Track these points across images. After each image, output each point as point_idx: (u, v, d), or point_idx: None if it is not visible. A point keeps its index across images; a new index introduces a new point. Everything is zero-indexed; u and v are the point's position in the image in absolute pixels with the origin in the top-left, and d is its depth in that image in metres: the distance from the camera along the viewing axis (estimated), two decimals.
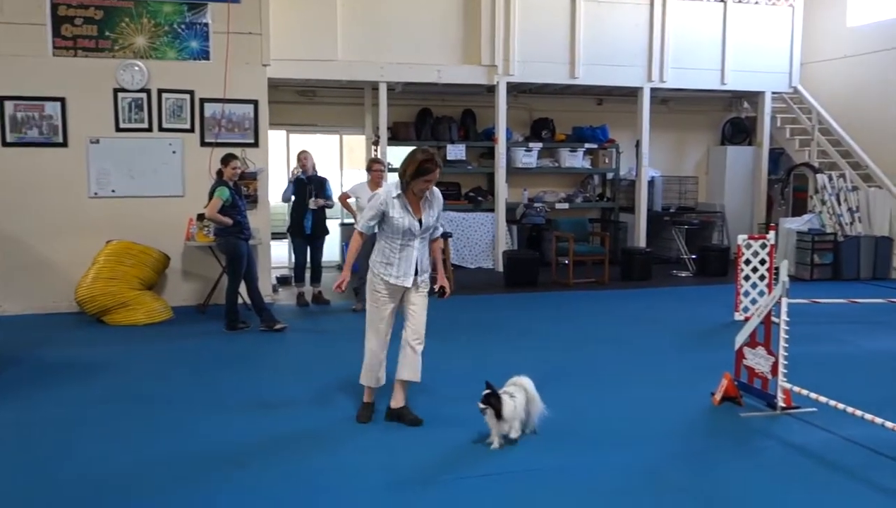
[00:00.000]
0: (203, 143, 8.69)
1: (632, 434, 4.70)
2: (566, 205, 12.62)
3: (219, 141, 8.69)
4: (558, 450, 4.42)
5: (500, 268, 11.09)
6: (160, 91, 8.55)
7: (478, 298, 9.44)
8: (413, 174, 4.65)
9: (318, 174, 9.01)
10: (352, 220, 8.83)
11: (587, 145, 12.65)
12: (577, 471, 4.12)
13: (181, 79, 8.61)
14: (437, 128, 12.02)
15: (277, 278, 9.91)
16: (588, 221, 11.97)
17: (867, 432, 4.55)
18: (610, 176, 13.15)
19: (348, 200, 8.50)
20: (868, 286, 10.52)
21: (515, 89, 12.18)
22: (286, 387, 5.70)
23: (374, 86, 11.17)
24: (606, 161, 12.91)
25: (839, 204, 11.33)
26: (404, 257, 4.76)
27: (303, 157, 8.93)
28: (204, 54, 8.63)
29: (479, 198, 12.21)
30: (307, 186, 8.78)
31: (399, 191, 4.71)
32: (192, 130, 8.66)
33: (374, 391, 5.03)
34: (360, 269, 8.42)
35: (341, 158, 12.56)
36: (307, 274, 8.99)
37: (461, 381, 5.78)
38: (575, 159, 12.60)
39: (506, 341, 7.19)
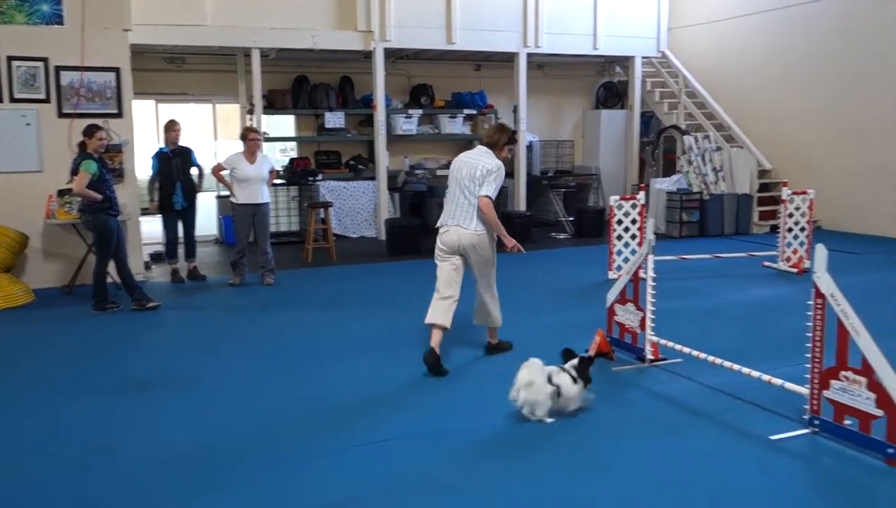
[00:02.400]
0: (61, 114, 8.16)
1: (506, 393, 4.80)
2: (447, 172, 12.66)
3: (78, 111, 8.18)
4: (442, 414, 4.46)
5: (383, 237, 11.06)
6: (9, 58, 7.95)
7: (361, 267, 9.38)
8: (507, 141, 5.39)
9: (182, 145, 8.58)
10: (227, 193, 8.54)
11: (467, 111, 12.73)
12: (460, 434, 4.17)
13: (33, 45, 8.02)
14: (314, 96, 11.78)
15: (151, 255, 9.51)
16: None
17: (728, 379, 4.81)
18: None
19: (222, 172, 8.21)
20: (731, 241, 11.12)
21: (393, 55, 12.08)
22: (160, 367, 5.50)
23: (247, 53, 10.82)
24: (486, 126, 13.00)
25: (704, 164, 11.89)
26: None
27: (171, 128, 8.52)
28: (57, 18, 8.07)
29: (360, 167, 12.09)
30: (172, 160, 8.39)
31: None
32: (47, 101, 8.10)
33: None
34: (238, 243, 8.22)
35: (215, 128, 12.15)
36: (181, 250, 8.66)
37: (344, 349, 5.76)
38: (455, 125, 12.65)
39: (390, 309, 7.18)
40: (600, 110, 13.99)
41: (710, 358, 4.81)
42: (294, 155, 12.41)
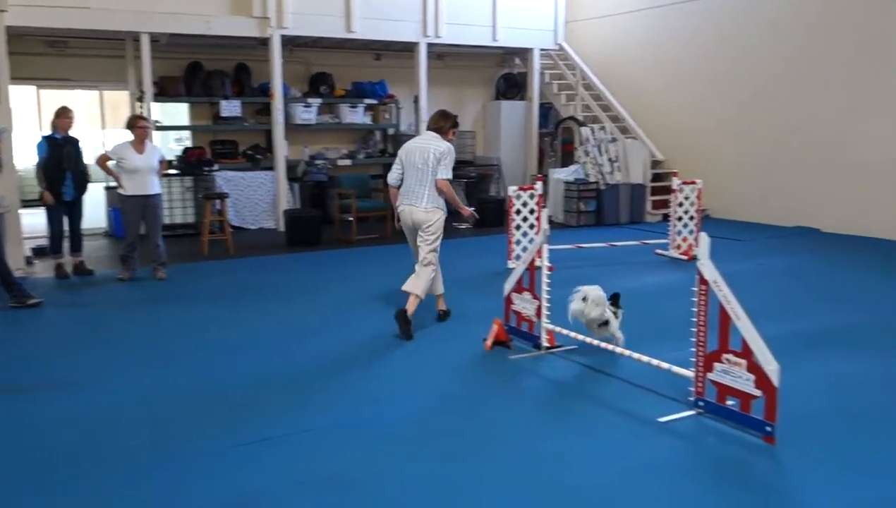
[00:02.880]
0: None
1: (409, 384, 4.80)
2: (348, 162, 12.55)
3: None
4: (336, 408, 4.40)
5: (283, 228, 10.85)
6: None
7: (260, 259, 9.17)
8: (451, 126, 6.23)
9: (71, 135, 8.15)
10: (115, 184, 8.17)
11: (367, 101, 12.61)
12: (356, 426, 4.13)
13: None
14: (210, 84, 11.43)
15: (33, 249, 9.01)
16: (370, 177, 11.99)
17: (620, 364, 4.96)
18: (391, 131, 13.22)
19: (108, 162, 7.84)
20: (626, 229, 11.45)
21: (291, 43, 11.84)
22: (39, 368, 5.21)
23: (136, 38, 10.36)
24: (387, 116, 12.96)
25: (601, 154, 12.17)
26: None
27: (64, 115, 8.02)
28: None
29: (258, 157, 11.82)
30: (63, 147, 7.97)
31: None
32: None
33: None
34: (127, 236, 7.89)
35: (103, 116, 11.61)
36: (66, 244, 8.24)
37: (242, 343, 5.62)
38: (355, 115, 12.52)
39: (289, 302, 7.05)
40: (500, 101, 14.12)
41: (604, 345, 4.93)
42: (188, 144, 12.00)
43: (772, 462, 3.70)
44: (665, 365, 4.47)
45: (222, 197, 9.79)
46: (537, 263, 5.34)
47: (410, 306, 5.84)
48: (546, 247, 5.24)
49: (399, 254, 9.53)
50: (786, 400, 3.86)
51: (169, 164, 9.47)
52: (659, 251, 9.30)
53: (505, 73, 14.47)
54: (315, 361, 5.26)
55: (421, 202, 5.99)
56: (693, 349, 4.23)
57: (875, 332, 5.88)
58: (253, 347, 5.62)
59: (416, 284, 5.92)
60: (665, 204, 12.41)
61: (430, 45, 12.27)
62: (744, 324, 3.90)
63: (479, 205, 11.98)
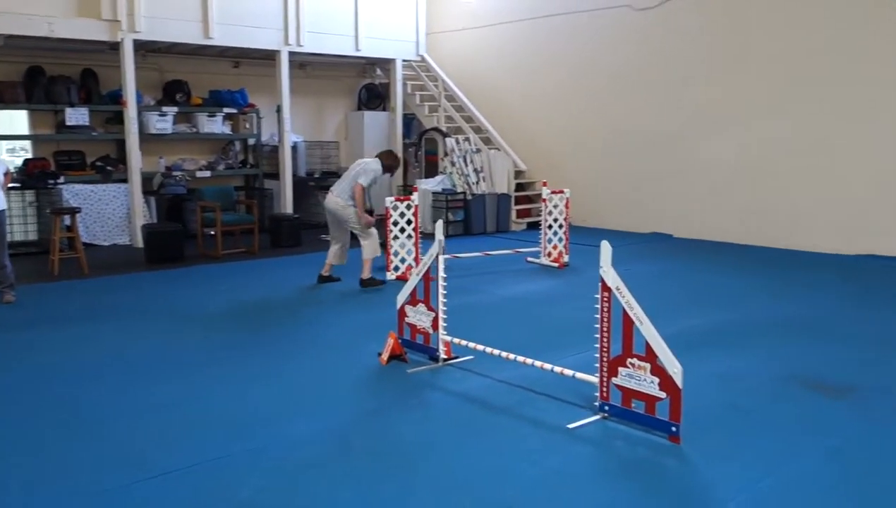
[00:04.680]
0: None
1: (309, 403, 4.61)
2: (208, 173, 12.02)
3: None
4: (236, 432, 4.14)
5: (140, 244, 10.21)
6: None
7: (117, 278, 8.57)
8: (390, 168, 8.24)
9: None
10: None
11: (226, 110, 12.15)
12: (261, 451, 3.90)
13: None
14: (53, 90, 10.60)
15: None
16: (233, 189, 11.53)
17: (520, 372, 4.98)
18: (252, 141, 12.79)
19: None
20: (494, 239, 11.65)
21: (143, 48, 11.19)
22: None
23: None
24: (248, 126, 12.54)
25: (466, 165, 12.34)
26: None
27: None
28: None
29: (109, 168, 11.07)
30: None
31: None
32: None
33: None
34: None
35: None
36: None
37: (108, 368, 5.19)
38: (214, 124, 12.02)
39: (153, 322, 6.60)
40: (363, 111, 14.02)
41: (503, 354, 4.94)
42: (29, 155, 11.05)
43: (679, 461, 3.83)
44: (569, 372, 4.54)
45: (73, 211, 9.06)
46: (414, 270, 5.29)
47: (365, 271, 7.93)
48: (442, 258, 5.20)
49: (270, 268, 9.23)
50: (684, 400, 4.01)
51: (13, 177, 8.67)
52: (530, 259, 9.51)
53: (367, 83, 14.39)
54: (204, 384, 4.94)
55: (341, 196, 7.88)
56: (596, 354, 4.32)
57: (746, 330, 6.26)
58: (130, 371, 5.20)
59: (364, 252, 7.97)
60: (528, 213, 12.80)
61: (291, 54, 11.98)
62: (647, 329, 4.03)
63: None
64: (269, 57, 11.95)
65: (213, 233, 10.08)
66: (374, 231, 7.95)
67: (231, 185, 11.76)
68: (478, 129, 13.48)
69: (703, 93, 11.16)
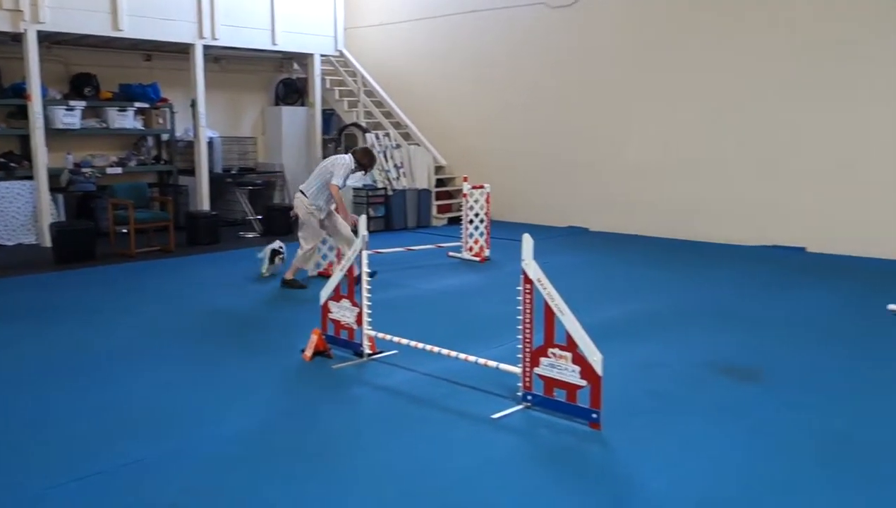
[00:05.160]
0: None
1: (235, 402, 4.54)
2: (119, 170, 11.64)
3: None
4: (163, 433, 4.05)
5: (48, 243, 9.81)
6: None
7: (24, 279, 8.22)
8: (365, 166, 7.81)
9: None
10: None
11: (138, 104, 11.77)
12: (189, 451, 3.83)
13: None
14: None
15: None
16: (147, 186, 11.19)
17: (444, 365, 5.03)
18: (165, 137, 12.45)
19: None
20: (416, 234, 11.68)
21: (48, 39, 10.74)
22: None
23: None
24: (161, 121, 12.19)
25: (386, 161, 12.33)
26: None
27: None
28: None
29: (13, 165, 10.61)
30: None
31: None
32: None
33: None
34: None
35: None
36: None
37: (22, 375, 4.99)
38: (125, 119, 11.64)
39: (67, 324, 6.37)
40: (281, 107, 13.83)
41: (428, 347, 4.98)
42: None
43: (601, 447, 3.95)
44: (492, 363, 4.61)
45: None
46: (337, 266, 5.29)
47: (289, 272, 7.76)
48: (366, 253, 5.20)
49: (187, 266, 9.02)
50: (604, 387, 4.14)
51: None
52: (452, 253, 9.59)
53: (284, 78, 14.19)
54: (124, 385, 4.81)
55: (309, 193, 7.56)
56: (519, 345, 4.41)
57: (661, 319, 6.49)
58: (46, 376, 5.01)
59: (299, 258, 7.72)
60: (449, 208, 12.89)
61: (206, 48, 11.71)
62: (568, 319, 4.13)
63: (265, 212, 11.70)
64: (183, 50, 11.65)
65: (125, 231, 9.78)
66: (311, 245, 7.70)
67: (144, 182, 11.41)
68: (398, 125, 13.49)
69: (617, 90, 11.46)
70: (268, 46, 12.47)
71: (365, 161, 7.76)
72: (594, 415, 4.10)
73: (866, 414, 4.35)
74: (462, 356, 4.78)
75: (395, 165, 12.34)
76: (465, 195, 9.39)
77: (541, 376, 4.32)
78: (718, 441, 4.00)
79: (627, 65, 11.32)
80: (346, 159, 7.60)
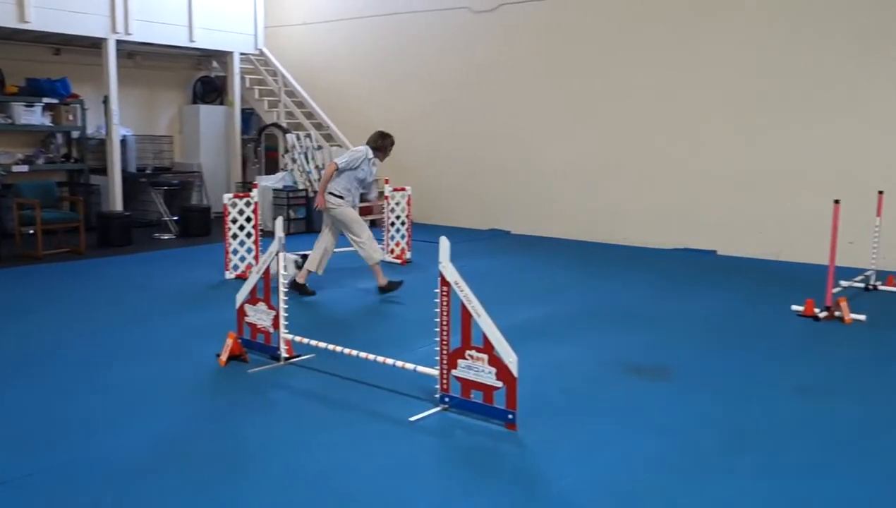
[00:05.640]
0: None
1: (145, 408, 4.41)
2: (25, 168, 11.15)
3: None
4: (67, 442, 3.90)
5: None
6: None
7: None
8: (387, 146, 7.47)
9: None
10: None
11: (46, 100, 11.29)
12: (94, 461, 3.69)
13: None
14: None
15: None
16: (56, 185, 10.77)
17: (363, 368, 4.99)
18: (76, 134, 11.98)
19: None
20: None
21: None
22: None
23: None
24: (71, 118, 11.73)
25: (308, 162, 12.20)
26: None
27: None
28: None
29: None
30: None
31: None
32: None
33: None
34: None
35: None
36: None
37: None
38: (32, 115, 11.16)
39: None
40: (199, 105, 13.52)
41: (346, 350, 4.95)
42: None
43: (516, 447, 4.00)
44: (410, 366, 4.62)
45: None
46: (253, 268, 5.21)
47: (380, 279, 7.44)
48: (283, 255, 5.14)
49: (99, 268, 8.72)
50: (520, 388, 4.20)
51: None
52: None
53: (203, 76, 13.87)
54: (29, 391, 4.61)
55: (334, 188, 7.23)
56: (436, 348, 4.43)
57: (577, 320, 6.62)
58: None
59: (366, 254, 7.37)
60: (370, 210, 12.81)
61: (119, 43, 11.35)
62: (484, 321, 4.17)
63: (182, 213, 11.41)
64: (95, 45, 11.27)
65: (32, 232, 9.39)
66: (365, 232, 7.31)
67: (53, 181, 10.97)
68: (319, 126, 13.36)
69: (538, 94, 11.63)
70: (185, 43, 12.18)
71: (378, 142, 7.39)
72: (510, 416, 4.15)
73: (764, 409, 4.54)
74: (380, 359, 4.77)
75: (317, 166, 12.22)
76: (386, 197, 9.38)
77: (458, 378, 4.35)
78: (627, 438, 4.10)
79: (548, 69, 11.51)
80: (361, 149, 7.31)
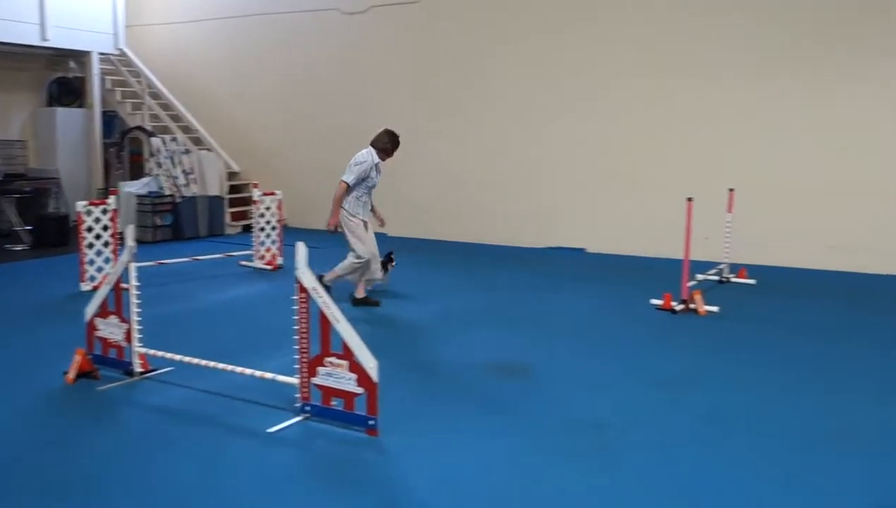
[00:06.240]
0: None
1: None
2: None
3: None
4: None
5: None
6: None
7: None
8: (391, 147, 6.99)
9: None
10: None
11: None
12: None
13: None
14: None
15: None
16: None
17: (222, 380, 4.82)
18: None
19: None
20: (207, 243, 11.21)
21: None
22: None
23: None
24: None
25: (174, 166, 11.74)
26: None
27: None
28: None
29: None
30: None
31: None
32: None
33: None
34: None
35: None
36: None
37: None
38: None
39: None
40: (55, 108, 12.76)
41: (203, 362, 4.77)
42: None
43: (377, 454, 3.95)
44: (269, 376, 4.49)
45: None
46: (122, 284, 4.96)
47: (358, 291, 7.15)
48: (133, 266, 4.89)
49: None
50: (385, 392, 4.16)
51: None
52: (244, 262, 9.29)
53: (59, 76, 13.10)
54: None
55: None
56: (297, 356, 4.32)
57: (446, 321, 6.65)
58: None
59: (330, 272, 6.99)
60: (244, 215, 12.49)
61: None
62: (343, 327, 4.10)
63: (37, 222, 10.75)
64: None
65: None
66: (359, 247, 6.87)
67: None
68: (187, 129, 12.90)
69: (408, 96, 11.64)
70: (37, 42, 11.50)
71: (381, 143, 6.94)
72: (371, 422, 4.10)
73: (620, 403, 4.68)
74: (238, 369, 4.62)
75: (184, 171, 11.77)
76: (255, 202, 9.14)
77: (318, 386, 4.26)
78: (486, 439, 4.13)
79: (420, 71, 11.54)
80: (364, 154, 6.85)
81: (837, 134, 9.05)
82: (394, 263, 7.77)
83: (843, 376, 5.24)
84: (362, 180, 6.86)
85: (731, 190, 8.24)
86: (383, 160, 7.03)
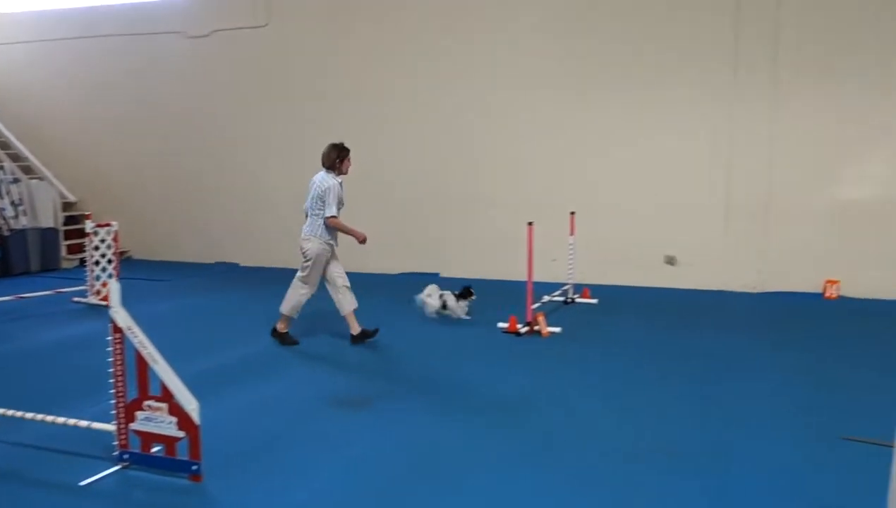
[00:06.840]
0: None
1: None
2: None
3: None
4: None
5: None
6: None
7: None
8: (338, 157, 6.57)
9: None
10: None
11: None
12: None
13: None
14: None
15: None
16: None
17: (33, 430, 4.44)
18: None
19: None
20: (39, 278, 10.49)
21: None
22: None
23: None
24: None
25: (2, 197, 10.92)
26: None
27: None
28: None
29: None
30: None
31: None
32: None
33: None
34: None
35: None
36: None
37: None
38: None
39: None
40: None
41: (10, 412, 4.38)
42: None
43: (202, 500, 3.74)
44: (83, 423, 4.18)
45: None
46: None
47: (280, 324, 6.79)
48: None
49: None
50: (210, 435, 3.95)
51: None
52: (77, 299, 8.73)
53: None
54: None
55: (306, 229, 6.67)
56: (113, 401, 4.04)
57: (287, 356, 6.45)
58: None
59: (283, 303, 6.74)
60: (81, 247, 11.75)
61: None
62: (162, 367, 3.87)
63: None
64: None
65: None
66: (313, 277, 6.64)
67: None
68: (16, 157, 12.04)
69: (259, 120, 11.37)
70: None
71: (335, 161, 6.58)
72: (194, 467, 3.88)
73: (458, 429, 4.67)
74: (50, 418, 4.27)
75: (13, 202, 10.97)
76: (88, 234, 8.61)
77: (137, 431, 4.00)
78: (321, 473, 4.01)
79: (267, 94, 11.31)
80: (329, 180, 6.52)
81: (664, 157, 9.53)
82: (473, 296, 7.85)
83: (667, 395, 5.42)
84: (341, 203, 6.66)
85: (573, 213, 8.51)
86: (346, 173, 6.72)
